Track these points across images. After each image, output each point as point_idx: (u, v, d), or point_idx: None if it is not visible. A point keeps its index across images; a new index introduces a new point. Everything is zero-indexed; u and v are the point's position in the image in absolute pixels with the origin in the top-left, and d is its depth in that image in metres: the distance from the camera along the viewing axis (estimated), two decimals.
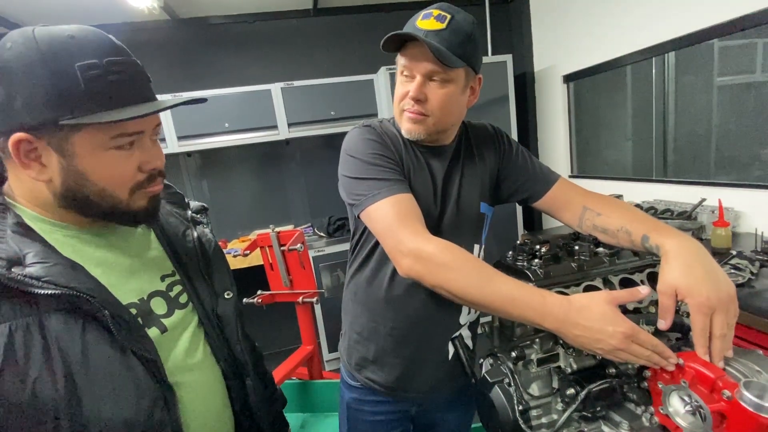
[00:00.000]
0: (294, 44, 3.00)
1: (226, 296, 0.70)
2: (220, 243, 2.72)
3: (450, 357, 0.96)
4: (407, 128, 0.84)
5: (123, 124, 0.51)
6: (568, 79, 2.81)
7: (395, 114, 0.87)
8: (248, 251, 1.82)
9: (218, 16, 2.90)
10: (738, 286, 1.24)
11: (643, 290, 0.60)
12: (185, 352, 0.61)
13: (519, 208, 2.96)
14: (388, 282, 0.89)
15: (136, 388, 0.51)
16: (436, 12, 0.76)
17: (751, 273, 1.30)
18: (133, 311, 0.56)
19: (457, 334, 0.95)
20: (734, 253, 1.41)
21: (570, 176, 2.96)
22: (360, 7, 3.01)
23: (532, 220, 3.34)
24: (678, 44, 2.02)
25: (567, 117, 2.92)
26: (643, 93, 2.41)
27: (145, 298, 0.60)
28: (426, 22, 0.76)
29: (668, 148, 2.32)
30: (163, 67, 2.87)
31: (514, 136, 2.88)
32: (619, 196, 2.21)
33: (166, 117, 2.54)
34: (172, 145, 2.58)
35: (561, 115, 2.93)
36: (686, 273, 0.61)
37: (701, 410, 0.57)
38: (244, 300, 1.90)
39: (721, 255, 1.45)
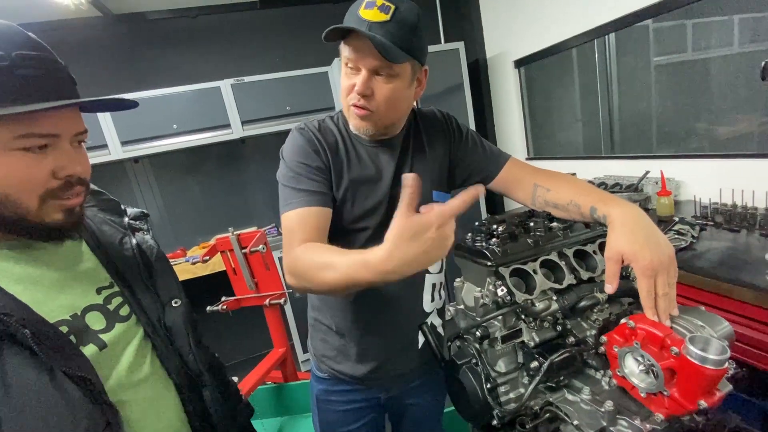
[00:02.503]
0: (242, 38, 2.88)
1: (173, 304, 0.65)
2: (178, 251, 2.57)
3: (420, 346, 0.97)
4: (355, 124, 0.83)
5: (32, 124, 0.46)
6: (518, 64, 2.89)
7: (344, 107, 0.85)
8: (208, 257, 1.74)
9: (156, 11, 2.72)
10: (681, 249, 1.33)
11: (406, 179, 0.54)
12: (129, 367, 0.57)
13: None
14: None
15: (71, 412, 0.46)
16: (379, 1, 0.73)
17: (693, 237, 1.39)
18: (64, 329, 0.51)
19: (428, 322, 0.96)
20: (677, 219, 1.51)
21: (527, 158, 3.06)
22: None
23: (495, 204, 3.42)
24: (616, 26, 2.11)
25: (520, 101, 3.01)
26: (589, 75, 2.52)
27: (79, 313, 0.55)
28: (369, 12, 0.73)
29: (614, 127, 2.44)
30: (100, 68, 2.66)
31: (471, 122, 2.93)
32: (573, 174, 2.30)
33: (106, 121, 2.37)
34: (115, 151, 2.41)
35: (515, 100, 3.01)
36: (630, 239, 0.64)
37: (653, 368, 0.59)
38: (208, 308, 1.82)
39: (665, 222, 1.54)
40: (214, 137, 2.56)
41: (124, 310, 0.61)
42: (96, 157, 2.39)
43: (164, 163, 2.80)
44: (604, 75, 2.41)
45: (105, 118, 2.36)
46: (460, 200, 0.55)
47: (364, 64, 0.75)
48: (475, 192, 0.56)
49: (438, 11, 3.12)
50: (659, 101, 2.26)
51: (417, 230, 0.53)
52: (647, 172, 1.87)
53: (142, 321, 0.62)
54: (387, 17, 0.72)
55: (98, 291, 0.59)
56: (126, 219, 0.69)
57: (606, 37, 2.26)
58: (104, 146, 2.39)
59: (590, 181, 2.14)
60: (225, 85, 2.50)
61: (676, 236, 1.41)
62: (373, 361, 0.94)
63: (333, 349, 0.96)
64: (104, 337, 0.56)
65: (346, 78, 0.80)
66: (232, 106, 2.52)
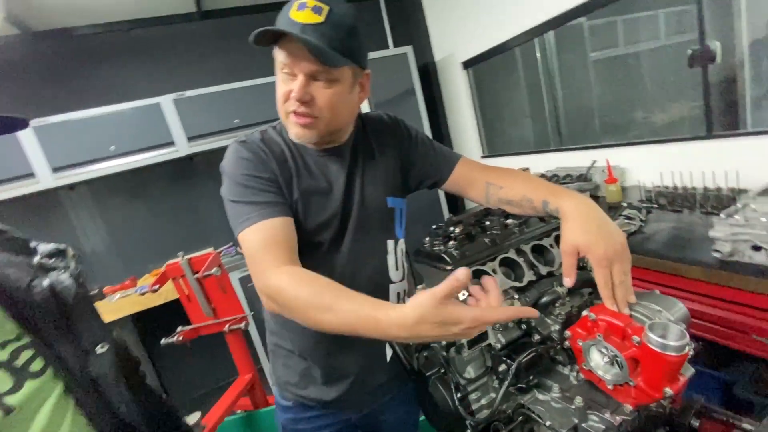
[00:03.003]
0: (181, 51, 2.74)
1: (98, 350, 0.57)
2: (128, 281, 2.36)
3: (389, 359, 0.93)
4: (296, 132, 0.78)
5: None
6: (466, 65, 2.95)
7: (281, 116, 0.80)
8: (158, 285, 1.61)
9: (84, 26, 2.53)
10: (632, 234, 1.38)
11: (459, 273, 0.51)
12: (44, 430, 0.48)
13: (441, 193, 3.05)
14: None
15: None
16: (311, 2, 0.69)
17: (641, 220, 1.45)
18: None
19: None
20: (625, 204, 1.58)
21: (482, 156, 3.13)
22: (248, 8, 2.83)
23: (456, 204, 3.46)
24: (553, 24, 2.20)
25: (471, 102, 3.07)
26: (533, 73, 2.61)
27: None
28: (301, 13, 0.68)
29: (560, 121, 2.54)
30: (21, 91, 2.44)
31: (425, 125, 2.95)
32: (526, 169, 2.37)
33: (32, 147, 2.16)
34: (45, 178, 2.20)
35: (466, 101, 3.07)
36: (583, 231, 0.63)
37: (617, 359, 0.59)
38: (163, 340, 1.68)
39: (615, 208, 1.60)
40: (158, 156, 2.40)
41: (37, 365, 0.52)
42: (21, 188, 2.17)
43: (105, 188, 2.59)
44: (546, 72, 2.50)
45: (30, 144, 2.15)
46: (507, 314, 0.54)
47: (301, 69, 0.71)
48: (529, 313, 0.56)
49: (384, 17, 3.13)
50: (599, 94, 2.38)
51: (445, 320, 0.51)
52: (594, 162, 1.95)
53: (61, 374, 0.54)
54: (321, 19, 0.69)
55: (2, 346, 0.50)
56: (36, 258, 0.60)
57: (545, 35, 2.35)
58: (30, 175, 2.17)
59: (542, 174, 2.20)
60: (166, 101, 2.35)
61: (626, 221, 1.46)
62: (341, 382, 0.90)
63: (296, 374, 0.91)
64: (11, 399, 0.47)
65: (282, 84, 0.75)
66: (176, 122, 2.37)
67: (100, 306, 2.14)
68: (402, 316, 0.53)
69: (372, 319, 0.55)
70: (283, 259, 0.68)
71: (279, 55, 0.73)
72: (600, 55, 2.33)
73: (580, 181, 1.90)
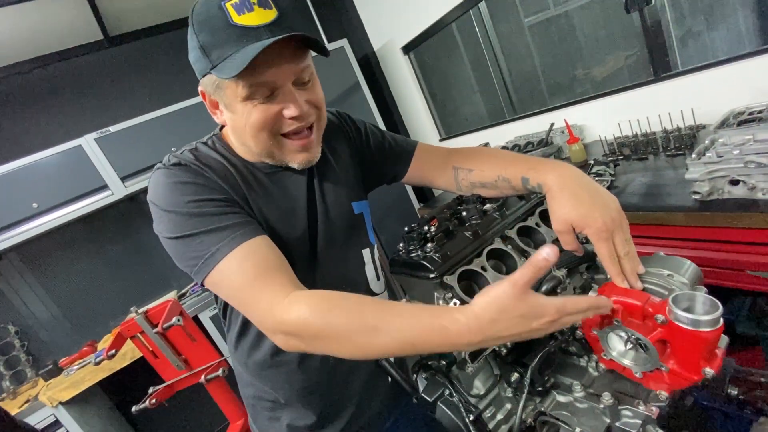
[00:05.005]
0: (96, 84, 2.47)
1: None
2: (85, 347, 2.10)
3: (389, 380, 0.84)
4: (302, 160, 0.67)
5: None
6: (406, 50, 2.86)
7: (261, 148, 0.65)
8: (114, 350, 1.42)
9: None
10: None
11: (545, 253, 0.45)
12: None
13: None
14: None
15: None
16: None
17: (611, 175, 1.42)
18: None
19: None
20: (592, 162, 1.54)
21: (440, 140, 3.06)
22: (156, 27, 2.59)
23: (423, 191, 3.39)
24: None
25: (419, 86, 2.99)
26: (474, 47, 2.56)
27: None
28: (251, 15, 0.56)
29: (509, 90, 2.51)
30: None
31: (377, 118, 2.85)
32: (486, 144, 2.32)
33: None
34: None
35: (413, 86, 2.98)
36: (575, 204, 0.56)
37: (641, 342, 0.51)
38: (134, 409, 1.50)
39: (583, 167, 1.56)
40: (92, 204, 2.16)
41: None
42: None
43: (37, 250, 2.31)
44: (487, 44, 2.45)
45: None
46: (588, 302, 0.47)
47: (286, 77, 0.60)
48: (604, 303, 0.49)
49: (312, 12, 2.98)
50: (540, 58, 2.36)
51: (527, 313, 0.44)
52: (552, 125, 1.92)
53: None
54: (275, 11, 0.57)
55: None
56: None
57: (478, 6, 2.29)
58: None
59: (504, 146, 2.16)
60: (87, 142, 2.11)
61: (597, 178, 1.42)
62: (338, 419, 0.80)
63: (286, 427, 0.79)
64: None
65: (256, 111, 0.60)
66: (104, 163, 2.14)
67: (57, 383, 1.91)
68: (474, 316, 0.45)
69: (437, 328, 0.46)
70: (287, 285, 0.56)
71: (250, 78, 0.57)
72: (533, 19, 2.31)
73: (542, 146, 1.86)
